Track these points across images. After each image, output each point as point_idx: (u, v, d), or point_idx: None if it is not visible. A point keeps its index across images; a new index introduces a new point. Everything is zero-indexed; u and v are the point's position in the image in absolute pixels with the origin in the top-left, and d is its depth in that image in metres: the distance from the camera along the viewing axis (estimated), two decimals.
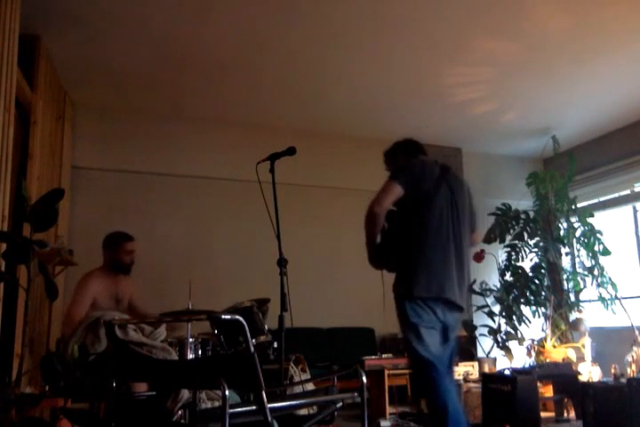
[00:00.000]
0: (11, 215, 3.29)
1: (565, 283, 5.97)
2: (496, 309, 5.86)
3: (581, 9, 3.91)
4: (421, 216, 2.86)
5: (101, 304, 3.66)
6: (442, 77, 4.96)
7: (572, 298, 5.98)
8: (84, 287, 3.67)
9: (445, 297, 2.78)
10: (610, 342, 5.36)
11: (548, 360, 5.18)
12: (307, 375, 3.91)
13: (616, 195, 6.27)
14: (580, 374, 4.74)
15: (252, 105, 5.53)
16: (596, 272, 5.66)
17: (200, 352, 2.79)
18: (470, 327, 5.62)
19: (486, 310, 5.84)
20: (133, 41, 4.26)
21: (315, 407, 2.98)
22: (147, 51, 4.41)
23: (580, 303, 5.86)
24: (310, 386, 3.47)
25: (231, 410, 1.74)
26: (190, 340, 2.66)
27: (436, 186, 2.93)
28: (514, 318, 5.74)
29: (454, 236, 2.90)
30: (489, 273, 6.08)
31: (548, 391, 4.79)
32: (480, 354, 5.71)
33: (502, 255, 6.02)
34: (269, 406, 1.74)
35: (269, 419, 1.73)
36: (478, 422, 4.19)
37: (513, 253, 5.96)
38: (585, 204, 6.39)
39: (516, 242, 5.98)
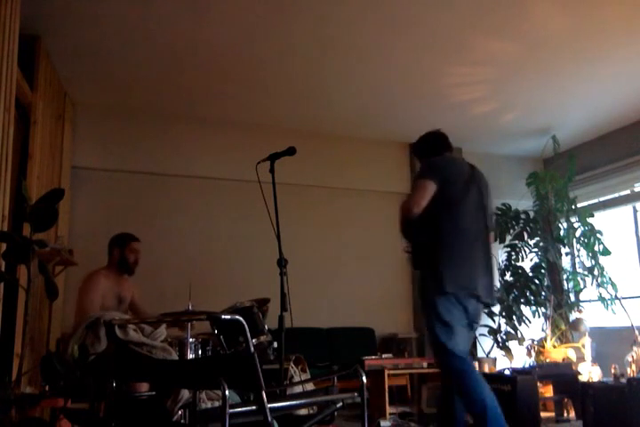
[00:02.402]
0: (11, 215, 3.29)
1: (565, 283, 5.97)
2: (496, 309, 5.86)
3: (581, 9, 3.91)
4: (453, 215, 2.86)
5: (105, 303, 3.68)
6: (442, 77, 4.96)
7: (572, 298, 5.98)
8: (94, 284, 3.69)
9: (477, 293, 2.80)
10: (610, 342, 5.36)
11: (548, 360, 5.18)
12: (307, 375, 3.91)
13: (616, 195, 6.27)
14: (580, 374, 4.74)
15: (252, 105, 5.53)
16: (596, 272, 5.66)
17: (200, 352, 2.78)
18: None
19: (486, 310, 5.83)
20: (134, 41, 4.26)
21: (315, 407, 2.98)
22: (147, 51, 4.41)
23: (580, 303, 5.86)
24: (310, 386, 3.47)
25: (231, 410, 1.74)
26: (190, 340, 2.66)
27: (467, 185, 2.92)
28: (514, 318, 5.74)
29: (483, 235, 2.92)
30: None
31: (548, 391, 4.80)
32: (480, 354, 5.71)
33: (502, 255, 6.02)
34: (269, 406, 1.74)
35: (269, 419, 1.73)
36: None
37: (513, 253, 5.96)
38: (585, 204, 6.39)
39: (516, 242, 5.98)
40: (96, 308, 3.57)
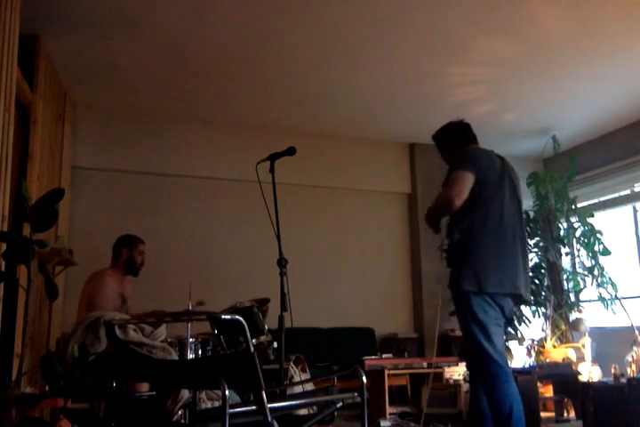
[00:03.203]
0: (11, 215, 3.29)
1: (565, 283, 5.97)
2: None
3: (582, 9, 3.91)
4: (488, 210, 2.76)
5: (110, 303, 3.70)
6: (442, 77, 4.96)
7: (572, 298, 5.98)
8: (106, 283, 3.72)
9: (517, 293, 2.75)
10: (610, 342, 5.36)
11: (548, 360, 5.18)
12: (307, 375, 3.91)
13: (616, 195, 6.27)
14: (580, 374, 4.74)
15: (253, 105, 5.53)
16: (595, 272, 5.66)
17: (200, 352, 2.79)
18: None
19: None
20: (134, 41, 4.26)
21: (315, 407, 2.98)
22: (147, 51, 4.41)
23: (580, 303, 5.86)
24: (310, 386, 3.47)
25: (231, 410, 1.74)
26: (190, 340, 2.66)
27: (500, 179, 2.83)
28: (514, 317, 5.74)
29: (518, 230, 2.85)
30: None
31: (547, 391, 4.80)
32: None
33: None
34: (269, 406, 1.74)
35: (269, 419, 1.73)
36: None
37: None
38: (585, 204, 6.39)
39: None
40: (109, 306, 3.58)
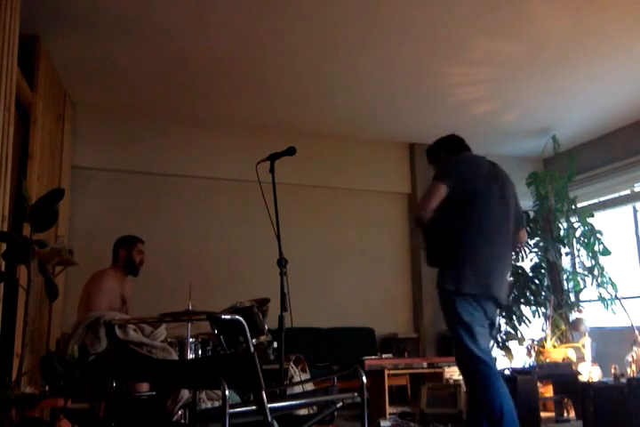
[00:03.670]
0: (11, 215, 3.29)
1: (565, 283, 5.97)
2: None
3: (582, 9, 3.91)
4: (474, 215, 2.82)
5: (111, 304, 3.70)
6: (442, 77, 4.96)
7: (572, 298, 5.98)
8: (106, 284, 3.73)
9: (493, 295, 2.78)
10: (610, 342, 5.36)
11: (548, 360, 5.18)
12: (307, 375, 3.91)
13: (616, 195, 6.27)
14: (580, 374, 4.74)
15: (253, 105, 5.53)
16: (596, 272, 5.66)
17: (200, 352, 2.79)
18: None
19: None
20: (134, 41, 4.26)
21: (315, 407, 2.98)
22: (147, 51, 4.41)
23: (580, 303, 5.86)
24: (310, 386, 3.47)
25: (231, 410, 1.74)
26: (190, 340, 2.66)
27: (487, 183, 2.88)
28: (514, 318, 5.74)
29: (504, 235, 2.89)
30: None
31: (548, 391, 4.80)
32: None
33: None
34: (269, 406, 1.74)
35: (269, 419, 1.73)
36: None
37: (513, 253, 5.94)
38: (585, 204, 6.39)
39: None
40: (105, 308, 3.59)
